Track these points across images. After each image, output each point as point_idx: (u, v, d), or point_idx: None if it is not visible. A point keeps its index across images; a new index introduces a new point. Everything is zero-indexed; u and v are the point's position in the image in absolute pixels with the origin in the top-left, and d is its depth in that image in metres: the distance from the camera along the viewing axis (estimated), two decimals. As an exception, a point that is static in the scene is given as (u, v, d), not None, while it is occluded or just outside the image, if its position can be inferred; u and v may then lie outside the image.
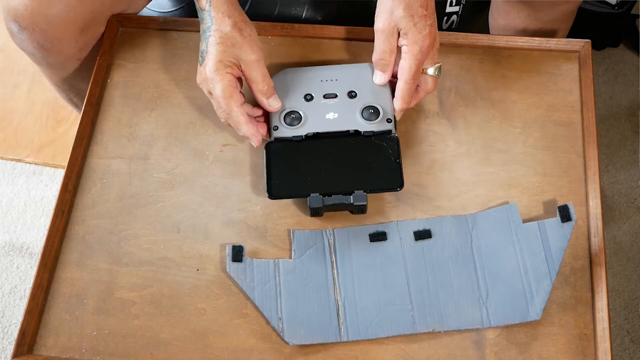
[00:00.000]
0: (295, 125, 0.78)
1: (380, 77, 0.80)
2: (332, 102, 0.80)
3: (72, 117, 1.41)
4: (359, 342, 0.72)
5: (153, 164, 0.82)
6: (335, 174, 0.76)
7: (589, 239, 0.77)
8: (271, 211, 0.77)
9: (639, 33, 1.52)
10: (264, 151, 0.78)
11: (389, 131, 0.78)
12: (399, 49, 0.77)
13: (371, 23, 0.88)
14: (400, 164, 0.76)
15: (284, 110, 0.79)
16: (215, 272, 0.76)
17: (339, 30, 0.89)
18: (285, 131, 0.78)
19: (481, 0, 1.04)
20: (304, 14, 0.95)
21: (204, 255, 0.77)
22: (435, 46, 0.77)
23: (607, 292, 0.73)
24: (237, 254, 0.74)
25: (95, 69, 0.86)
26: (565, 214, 0.74)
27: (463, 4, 1.00)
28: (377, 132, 0.78)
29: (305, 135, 0.78)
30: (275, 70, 0.87)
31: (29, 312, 0.73)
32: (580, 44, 0.87)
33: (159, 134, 0.84)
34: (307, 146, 0.78)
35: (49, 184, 1.40)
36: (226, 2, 0.76)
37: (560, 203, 0.77)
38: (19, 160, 1.40)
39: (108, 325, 0.74)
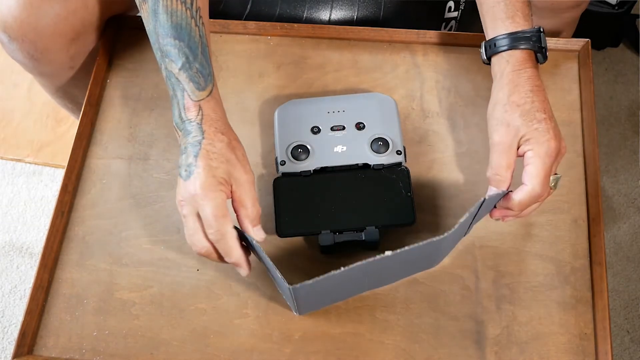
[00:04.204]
0: (302, 159, 0.77)
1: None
2: (340, 134, 0.79)
3: (72, 117, 1.41)
4: (359, 342, 0.72)
5: (153, 164, 0.82)
6: (346, 209, 0.75)
7: (589, 239, 0.77)
8: (270, 211, 0.77)
9: (639, 33, 1.52)
10: (272, 187, 0.77)
11: (399, 163, 0.77)
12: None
13: (373, 25, 0.89)
14: (412, 198, 0.75)
15: (291, 143, 0.78)
16: (215, 272, 0.76)
17: (338, 30, 0.89)
18: (293, 166, 0.77)
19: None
20: (305, 15, 0.95)
21: (204, 255, 0.77)
22: (561, 152, 0.71)
23: (607, 291, 0.73)
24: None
25: (94, 69, 0.86)
26: None
27: (461, 9, 1.00)
28: (387, 164, 0.77)
29: (314, 170, 0.77)
30: (275, 71, 0.87)
31: (29, 313, 0.73)
32: (580, 44, 0.87)
33: (159, 134, 0.84)
34: (315, 181, 0.76)
35: (49, 184, 1.40)
36: (220, 119, 0.70)
37: (560, 202, 0.77)
38: (19, 160, 1.40)
39: (108, 325, 0.74)
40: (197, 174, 0.66)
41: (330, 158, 0.77)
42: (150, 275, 0.76)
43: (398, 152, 0.77)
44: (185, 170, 0.67)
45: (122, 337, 0.73)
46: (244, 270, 0.69)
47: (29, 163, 1.41)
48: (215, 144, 0.68)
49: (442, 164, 0.81)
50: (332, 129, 0.79)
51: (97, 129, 0.84)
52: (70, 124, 1.42)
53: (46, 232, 0.77)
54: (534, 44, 0.74)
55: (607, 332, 0.71)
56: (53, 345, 0.73)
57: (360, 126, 0.79)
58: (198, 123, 0.69)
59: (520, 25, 0.74)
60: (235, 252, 0.67)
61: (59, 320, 0.74)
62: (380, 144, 0.78)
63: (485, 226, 0.77)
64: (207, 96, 0.70)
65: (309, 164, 0.77)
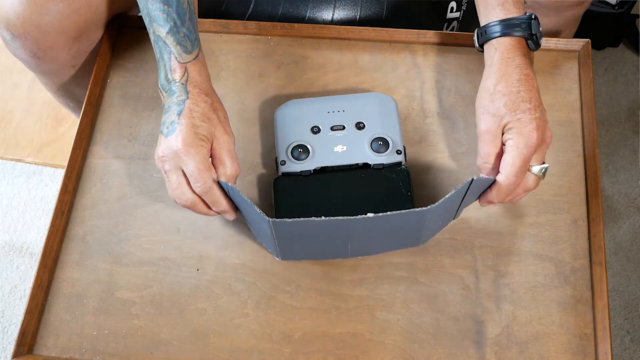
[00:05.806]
0: (302, 159, 0.77)
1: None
2: (340, 134, 0.79)
3: (72, 117, 1.41)
4: (359, 342, 0.72)
5: (153, 164, 0.82)
6: (346, 209, 0.74)
7: (589, 239, 0.77)
8: (270, 211, 0.77)
9: (639, 33, 1.52)
10: (272, 187, 0.77)
11: (399, 163, 0.77)
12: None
13: (376, 25, 0.88)
14: (412, 197, 0.75)
15: (291, 143, 0.78)
16: (215, 272, 0.76)
17: (339, 30, 0.89)
18: (293, 166, 0.77)
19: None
20: (307, 15, 0.95)
21: (204, 255, 0.77)
22: (545, 142, 0.71)
23: (607, 291, 0.73)
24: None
25: (95, 68, 0.86)
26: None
27: (464, 10, 1.00)
28: (387, 164, 0.77)
29: (314, 170, 0.77)
30: (276, 71, 0.87)
31: (29, 312, 0.73)
32: (580, 44, 0.87)
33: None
34: (315, 181, 0.76)
35: (49, 184, 1.40)
36: (205, 82, 0.73)
37: (560, 202, 0.77)
38: (19, 160, 1.41)
39: (108, 325, 0.74)
40: (179, 131, 0.68)
41: (330, 158, 0.77)
42: (150, 275, 0.76)
43: (398, 152, 0.77)
44: (167, 128, 0.70)
45: (122, 336, 0.73)
46: (230, 216, 0.73)
47: (29, 163, 1.41)
48: (199, 103, 0.70)
49: (442, 164, 0.81)
50: (332, 128, 0.79)
51: (97, 128, 0.84)
52: (70, 123, 1.42)
53: (46, 232, 0.77)
54: (523, 31, 0.74)
55: (607, 332, 0.71)
56: (53, 345, 0.73)
57: (360, 126, 0.79)
58: (183, 84, 0.71)
59: (510, 12, 0.75)
60: (222, 200, 0.71)
61: (58, 319, 0.74)
62: (380, 143, 0.78)
63: (485, 226, 0.77)
64: (194, 59, 0.73)
65: (309, 164, 0.77)
